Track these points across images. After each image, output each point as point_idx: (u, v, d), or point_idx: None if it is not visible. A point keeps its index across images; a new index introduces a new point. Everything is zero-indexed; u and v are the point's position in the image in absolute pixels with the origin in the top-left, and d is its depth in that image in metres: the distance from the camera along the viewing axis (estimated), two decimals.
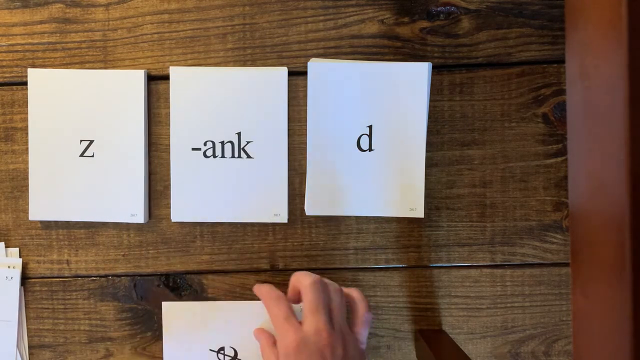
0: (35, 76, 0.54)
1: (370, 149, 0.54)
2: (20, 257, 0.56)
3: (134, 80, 0.54)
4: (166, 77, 0.55)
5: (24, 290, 0.57)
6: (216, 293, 0.56)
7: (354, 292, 0.50)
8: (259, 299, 0.52)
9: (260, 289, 0.50)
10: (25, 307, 0.57)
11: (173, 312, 0.56)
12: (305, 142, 0.55)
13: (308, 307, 0.45)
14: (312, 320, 0.45)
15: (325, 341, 0.44)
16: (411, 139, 0.53)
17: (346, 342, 0.45)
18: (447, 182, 0.56)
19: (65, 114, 0.54)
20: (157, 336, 0.57)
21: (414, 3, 0.54)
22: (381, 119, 0.53)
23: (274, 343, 0.47)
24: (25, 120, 0.55)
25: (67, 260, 0.57)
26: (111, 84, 0.54)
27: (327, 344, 0.44)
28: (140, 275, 0.57)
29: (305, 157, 0.55)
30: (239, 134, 0.54)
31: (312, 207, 0.53)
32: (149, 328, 0.57)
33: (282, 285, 0.56)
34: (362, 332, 0.48)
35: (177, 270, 0.57)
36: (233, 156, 0.55)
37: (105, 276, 0.57)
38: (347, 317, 0.49)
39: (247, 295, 0.56)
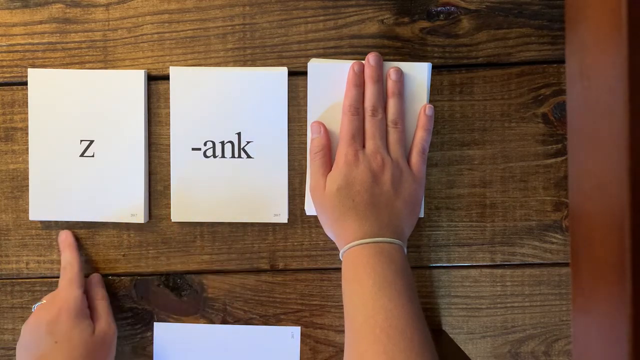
0: (35, 76, 0.54)
1: None
2: None
3: (134, 80, 0.54)
4: (166, 77, 0.55)
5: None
6: (216, 293, 0.57)
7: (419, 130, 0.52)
8: (254, 324, 0.56)
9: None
10: (25, 307, 0.57)
11: (165, 334, 0.56)
12: (306, 142, 0.55)
13: (368, 133, 0.50)
14: (371, 143, 0.50)
15: (379, 163, 0.49)
16: (410, 137, 0.53)
17: (401, 171, 0.50)
18: (447, 182, 0.56)
19: (65, 114, 0.54)
20: None
21: (414, 3, 0.54)
22: None
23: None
24: (25, 120, 0.55)
25: None
26: (111, 84, 0.54)
27: (379, 165, 0.49)
28: (140, 275, 0.57)
29: (305, 157, 0.55)
30: (239, 134, 0.54)
31: (312, 207, 0.53)
32: (149, 328, 0.57)
33: (282, 286, 0.57)
34: (418, 163, 0.51)
35: (177, 270, 0.57)
36: (233, 156, 0.55)
37: (105, 276, 0.57)
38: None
39: (247, 295, 0.57)
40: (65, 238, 0.55)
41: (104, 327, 0.52)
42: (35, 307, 0.54)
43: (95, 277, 0.56)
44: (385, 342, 0.42)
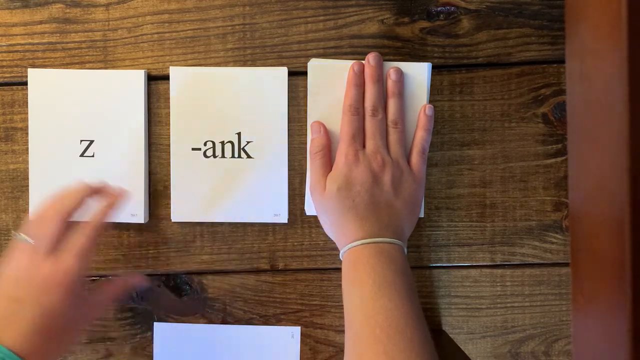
0: (35, 76, 0.54)
1: None
2: None
3: (134, 80, 0.54)
4: (166, 77, 0.55)
5: None
6: (216, 293, 0.57)
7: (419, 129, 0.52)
8: (254, 324, 0.55)
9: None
10: None
11: (165, 334, 0.57)
12: (306, 142, 0.55)
13: (368, 133, 0.50)
14: (371, 143, 0.50)
15: (379, 163, 0.49)
16: (410, 138, 0.53)
17: (401, 171, 0.50)
18: (447, 182, 0.56)
19: (65, 114, 0.54)
20: None
21: (414, 3, 0.54)
22: None
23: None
24: (25, 120, 0.55)
25: None
26: (111, 84, 0.54)
27: (380, 165, 0.49)
28: None
29: (305, 157, 0.55)
30: (239, 134, 0.54)
31: (312, 207, 0.53)
32: (149, 328, 0.57)
33: (282, 286, 0.57)
34: (418, 164, 0.51)
35: (177, 270, 0.57)
36: (233, 156, 0.55)
37: (105, 276, 0.57)
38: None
39: (247, 295, 0.57)
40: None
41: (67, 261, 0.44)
42: None
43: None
44: (385, 342, 0.42)
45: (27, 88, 0.55)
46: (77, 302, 0.45)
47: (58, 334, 0.44)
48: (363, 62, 0.51)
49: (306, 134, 0.54)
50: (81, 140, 0.54)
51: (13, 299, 0.43)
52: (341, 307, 0.52)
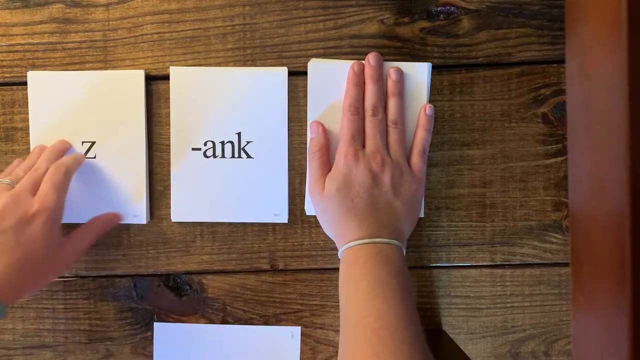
0: (35, 79, 0.54)
1: None
2: None
3: (134, 80, 0.54)
4: (166, 77, 0.55)
5: None
6: (216, 293, 0.57)
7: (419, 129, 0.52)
8: (254, 324, 0.56)
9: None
10: (25, 307, 0.57)
11: (165, 334, 0.57)
12: (305, 142, 0.55)
13: (368, 133, 0.50)
14: (371, 143, 0.50)
15: (379, 163, 0.49)
16: (410, 138, 0.53)
17: (401, 171, 0.50)
18: (447, 182, 0.56)
19: (66, 116, 0.54)
20: None
21: (414, 3, 0.54)
22: None
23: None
24: (25, 120, 0.55)
25: None
26: (111, 85, 0.54)
27: (379, 165, 0.49)
28: (140, 275, 0.57)
29: (305, 157, 0.55)
30: (239, 134, 0.54)
31: (312, 206, 0.53)
32: (149, 328, 0.57)
33: (282, 286, 0.57)
34: (418, 164, 0.51)
35: (177, 270, 0.57)
36: (233, 156, 0.55)
37: (105, 276, 0.57)
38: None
39: (247, 295, 0.57)
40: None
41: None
42: None
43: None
44: (376, 344, 0.42)
45: (27, 88, 0.55)
46: (54, 239, 0.47)
47: (33, 266, 0.46)
48: (363, 62, 0.51)
49: (306, 134, 0.54)
50: (83, 142, 0.54)
51: None
52: None
